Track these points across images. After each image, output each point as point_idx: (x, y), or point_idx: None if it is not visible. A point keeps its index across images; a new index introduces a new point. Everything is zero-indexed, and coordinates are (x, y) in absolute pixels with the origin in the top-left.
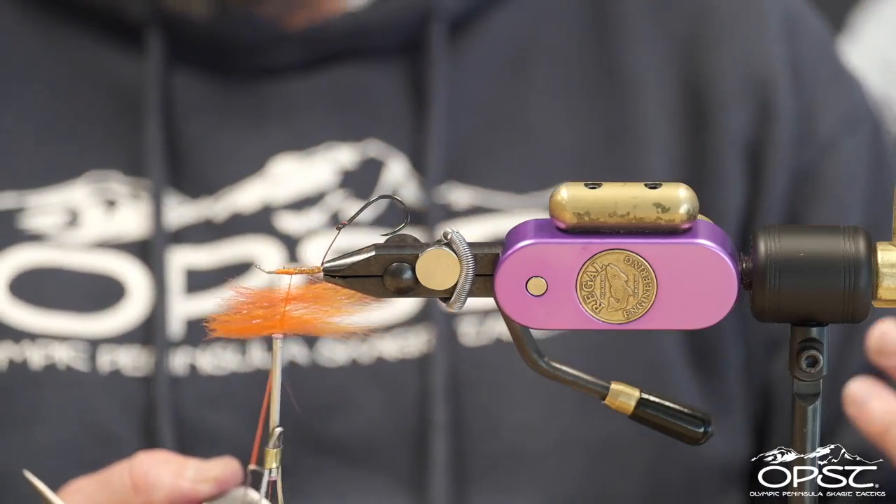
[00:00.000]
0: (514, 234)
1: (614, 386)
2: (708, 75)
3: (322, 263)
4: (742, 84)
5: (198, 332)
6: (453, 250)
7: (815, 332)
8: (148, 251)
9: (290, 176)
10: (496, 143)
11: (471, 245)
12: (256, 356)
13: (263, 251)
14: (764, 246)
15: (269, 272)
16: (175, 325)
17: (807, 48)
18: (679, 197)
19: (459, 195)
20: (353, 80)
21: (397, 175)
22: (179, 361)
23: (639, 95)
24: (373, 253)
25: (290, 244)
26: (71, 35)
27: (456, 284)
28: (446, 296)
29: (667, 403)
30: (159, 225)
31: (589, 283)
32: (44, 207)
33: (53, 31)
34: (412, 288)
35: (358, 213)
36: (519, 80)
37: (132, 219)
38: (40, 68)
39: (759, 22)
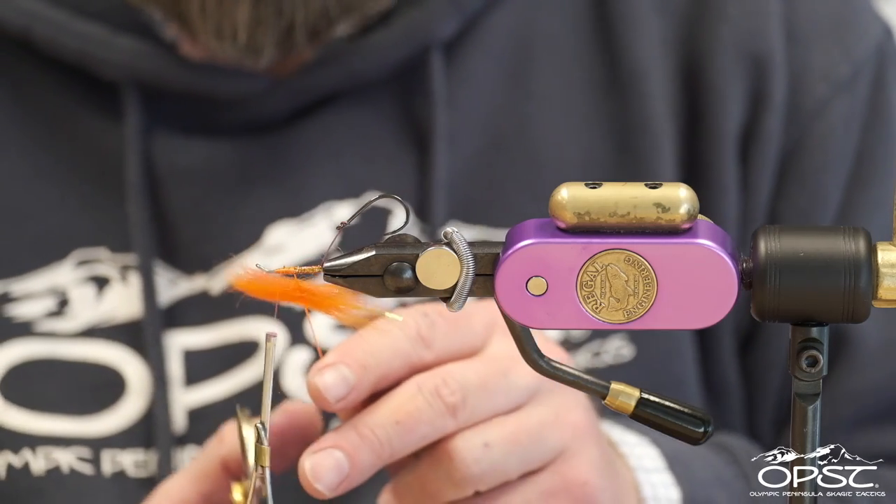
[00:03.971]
0: (515, 234)
1: (614, 385)
2: (705, 58)
3: (322, 263)
4: (736, 65)
5: (202, 426)
6: (453, 250)
7: (815, 332)
8: (142, 335)
9: (288, 244)
10: (499, 172)
11: (471, 244)
12: None
13: (265, 328)
14: (764, 246)
15: (269, 272)
16: (178, 419)
17: None
18: (679, 197)
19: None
20: (347, 123)
21: (399, 224)
22: (185, 459)
23: (643, 89)
24: (373, 252)
25: (294, 319)
26: (43, 93)
27: (456, 284)
28: (446, 296)
29: (667, 403)
30: (152, 307)
31: (589, 282)
32: (30, 293)
33: (24, 89)
34: (412, 287)
35: (358, 214)
36: (519, 93)
37: (124, 298)
38: (12, 130)
39: None
